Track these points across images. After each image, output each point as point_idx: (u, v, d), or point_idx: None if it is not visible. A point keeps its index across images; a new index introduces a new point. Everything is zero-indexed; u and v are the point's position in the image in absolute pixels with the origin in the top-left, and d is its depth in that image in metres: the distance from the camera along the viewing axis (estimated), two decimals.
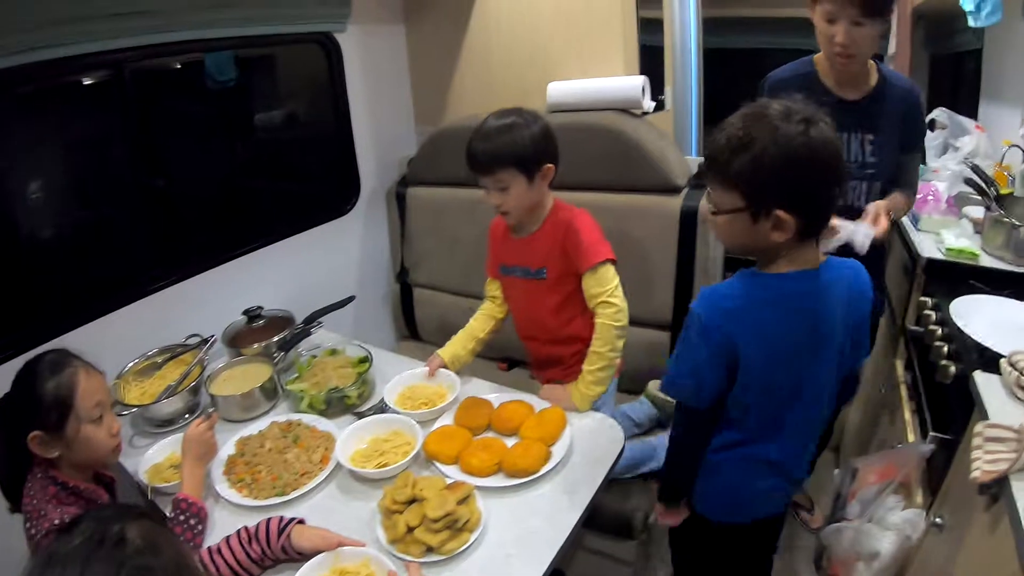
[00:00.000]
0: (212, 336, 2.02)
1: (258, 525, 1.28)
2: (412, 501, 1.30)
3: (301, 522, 1.30)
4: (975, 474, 1.10)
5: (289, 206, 2.59)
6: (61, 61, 1.69)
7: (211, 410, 1.69)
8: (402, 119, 2.88)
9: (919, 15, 3.86)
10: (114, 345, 1.83)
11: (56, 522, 1.17)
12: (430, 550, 1.24)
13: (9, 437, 1.24)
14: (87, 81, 1.91)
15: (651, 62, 2.64)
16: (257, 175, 2.57)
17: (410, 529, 1.25)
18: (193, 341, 2.01)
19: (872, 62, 1.83)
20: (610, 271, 1.72)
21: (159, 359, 1.94)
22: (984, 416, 1.22)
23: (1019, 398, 1.26)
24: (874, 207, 1.64)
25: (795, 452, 1.41)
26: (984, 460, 1.10)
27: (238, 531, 1.29)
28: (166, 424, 1.77)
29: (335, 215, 2.64)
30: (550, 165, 1.74)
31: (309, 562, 1.21)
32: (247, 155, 2.55)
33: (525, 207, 1.77)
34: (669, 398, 1.92)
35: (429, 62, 2.78)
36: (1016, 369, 1.27)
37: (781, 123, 1.10)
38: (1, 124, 1.73)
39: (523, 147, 1.69)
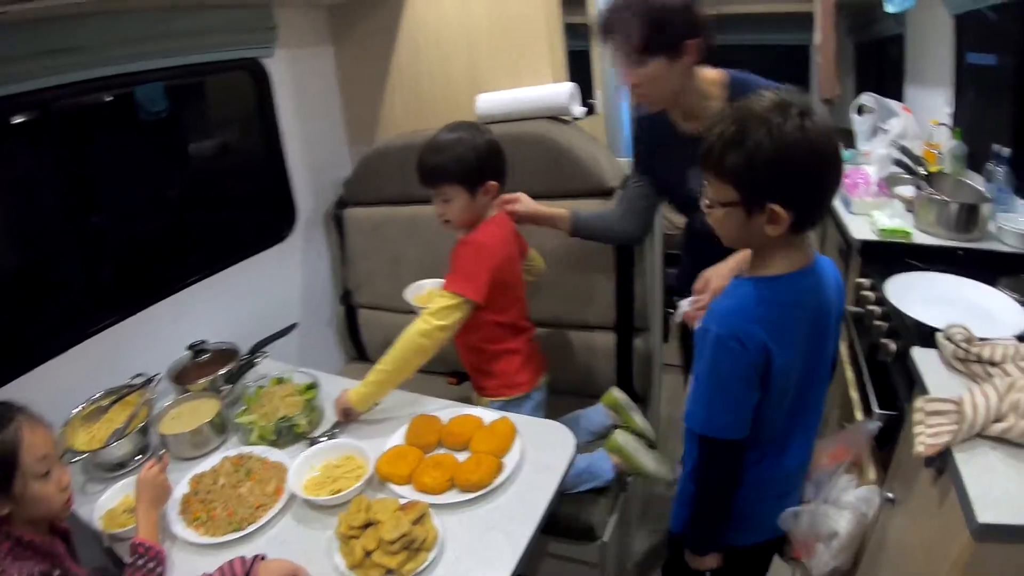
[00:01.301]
0: (157, 374, 1.99)
1: (222, 570, 1.26)
2: (368, 525, 1.31)
3: (263, 558, 1.29)
4: (919, 449, 1.13)
5: (227, 236, 2.55)
6: None
7: (162, 451, 1.66)
8: (335, 140, 2.88)
9: (841, 5, 3.98)
10: (59, 392, 1.79)
11: None
12: (390, 572, 1.24)
13: None
14: (14, 121, 1.86)
15: (580, 67, 2.68)
16: (193, 206, 2.53)
17: (368, 553, 1.25)
18: (139, 381, 1.96)
19: (720, 77, 1.75)
20: (448, 300, 1.74)
21: (105, 402, 1.89)
22: (924, 390, 1.27)
23: (957, 370, 1.30)
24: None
25: (804, 457, 1.43)
26: (927, 434, 1.13)
27: None
28: (117, 468, 1.73)
29: (274, 242, 2.62)
30: (493, 182, 1.80)
31: None
32: (182, 187, 2.51)
33: (465, 220, 1.83)
34: (626, 404, 1.98)
35: (359, 82, 2.79)
36: (952, 342, 1.31)
37: (776, 117, 1.09)
38: None
39: (466, 163, 1.75)
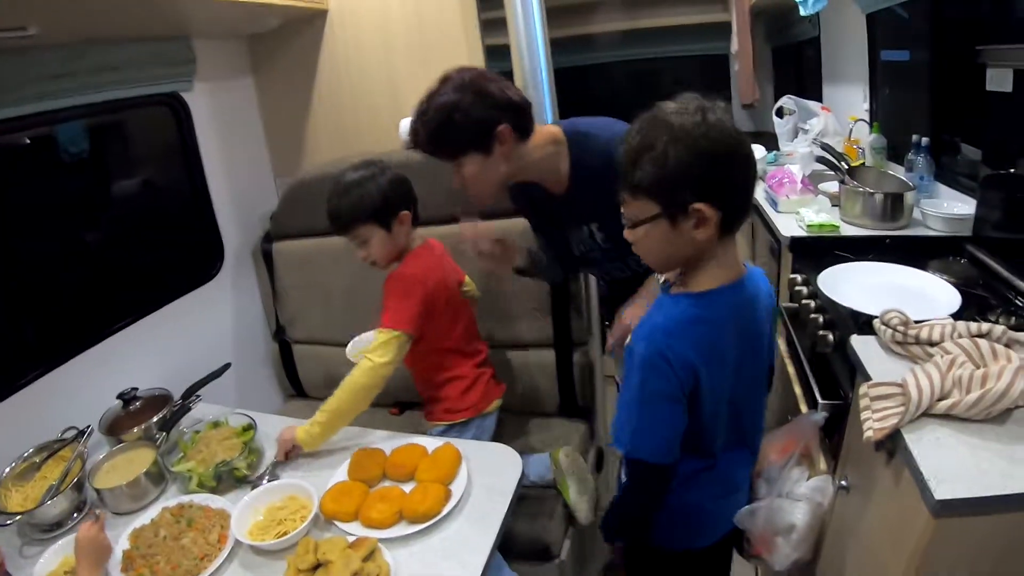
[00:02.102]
0: (88, 427, 1.91)
1: None
2: (317, 567, 1.28)
3: None
4: (868, 434, 1.14)
5: (153, 278, 2.50)
6: None
7: (97, 511, 1.61)
8: (260, 173, 2.85)
9: (757, 12, 4.09)
10: None
11: None
12: None
13: None
14: None
15: None
16: (117, 249, 2.45)
17: None
18: (70, 435, 1.89)
19: (556, 136, 1.70)
20: (384, 336, 1.76)
21: (37, 459, 1.82)
22: (867, 377, 1.28)
23: (897, 354, 1.33)
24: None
25: (748, 460, 1.45)
26: (874, 419, 1.15)
27: None
28: (55, 527, 1.65)
29: (202, 281, 2.56)
30: (405, 212, 1.83)
31: None
32: (105, 229, 2.43)
33: (388, 255, 1.86)
34: (568, 470, 1.97)
35: (281, 112, 2.77)
36: (889, 327, 1.34)
37: (676, 118, 1.09)
38: None
39: (374, 201, 1.78)
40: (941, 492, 0.97)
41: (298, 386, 2.80)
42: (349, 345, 2.12)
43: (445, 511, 1.45)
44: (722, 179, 1.11)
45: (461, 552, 1.36)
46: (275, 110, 2.79)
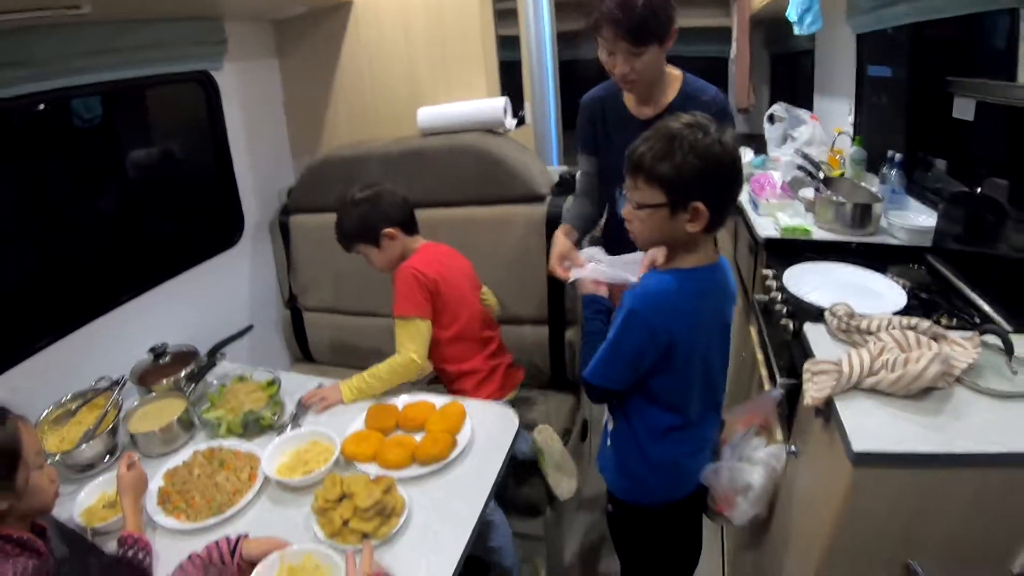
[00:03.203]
0: (123, 377, 2.06)
1: (208, 550, 1.35)
2: (342, 498, 1.45)
3: (246, 536, 1.39)
4: (807, 400, 1.36)
5: (179, 242, 2.63)
6: None
7: (127, 451, 1.72)
8: (280, 151, 2.98)
9: (758, 20, 4.24)
10: (25, 397, 1.77)
11: (11, 574, 1.17)
12: (366, 537, 1.39)
13: None
14: None
15: (511, 78, 2.85)
16: (148, 214, 2.59)
17: (345, 522, 1.40)
18: (103, 384, 2.03)
19: (677, 73, 1.98)
20: (402, 325, 1.97)
21: (72, 406, 1.94)
22: (813, 357, 1.49)
23: (841, 340, 1.54)
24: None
25: (714, 421, 1.66)
26: (813, 389, 1.35)
27: (189, 558, 1.33)
28: (87, 469, 1.77)
29: (223, 248, 2.70)
30: (389, 229, 2.01)
31: (257, 568, 1.30)
32: (137, 195, 2.57)
33: (390, 263, 2.05)
34: (548, 451, 2.12)
35: (303, 94, 2.90)
36: (836, 316, 1.55)
37: (697, 136, 1.32)
38: None
39: (355, 226, 2.03)
40: (858, 445, 1.17)
41: (306, 351, 2.95)
42: None
43: (452, 456, 1.64)
44: (720, 189, 1.37)
45: (465, 491, 1.56)
46: (297, 92, 2.91)
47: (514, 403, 2.13)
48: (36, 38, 1.85)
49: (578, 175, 2.22)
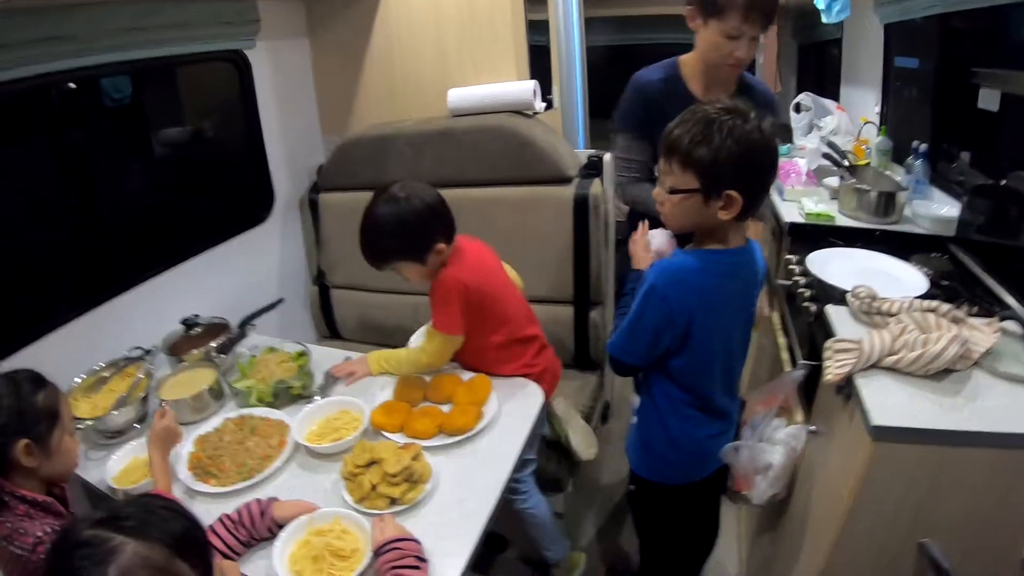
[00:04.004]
0: (154, 346, 2.12)
1: (239, 511, 1.40)
2: (370, 464, 1.50)
3: (276, 500, 1.44)
4: (828, 377, 1.39)
5: (211, 217, 2.67)
6: None
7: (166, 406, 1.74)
8: (310, 129, 3.01)
9: (786, 9, 4.24)
10: (59, 363, 1.82)
11: (40, 535, 1.19)
12: (393, 502, 1.44)
13: None
14: (9, 106, 1.96)
15: (540, 62, 2.86)
16: (180, 189, 2.65)
17: (373, 487, 1.44)
18: (135, 353, 2.08)
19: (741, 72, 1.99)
20: (437, 340, 1.89)
21: (105, 374, 1.99)
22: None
23: (863, 322, 1.57)
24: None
25: (736, 404, 1.69)
26: (834, 366, 1.38)
27: (219, 519, 1.38)
28: (118, 435, 1.81)
29: (253, 223, 2.75)
30: (440, 244, 1.79)
31: (285, 529, 1.35)
32: (172, 171, 2.62)
33: (425, 278, 1.86)
34: (565, 416, 2.14)
35: (334, 74, 2.92)
36: (858, 298, 1.58)
37: (736, 122, 1.30)
38: None
39: (405, 241, 1.78)
40: (877, 419, 1.21)
41: (333, 328, 3.00)
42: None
43: (479, 427, 1.68)
44: (755, 178, 1.36)
45: (490, 461, 1.60)
46: (327, 72, 2.93)
47: None
48: (75, 14, 1.89)
49: (616, 160, 2.17)
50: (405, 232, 1.76)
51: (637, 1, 4.72)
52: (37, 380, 1.32)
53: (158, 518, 0.93)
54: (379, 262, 1.84)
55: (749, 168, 1.33)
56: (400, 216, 1.76)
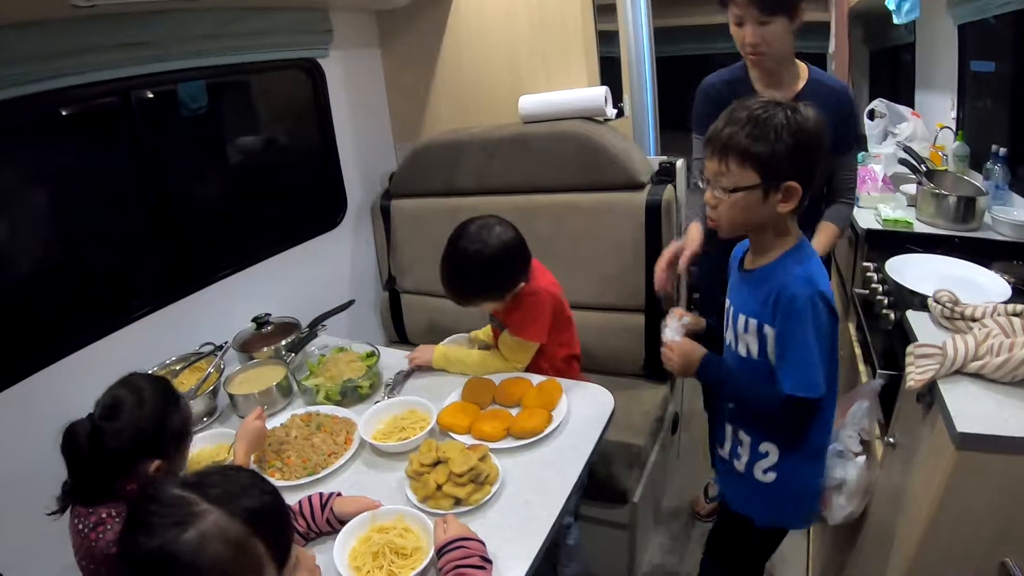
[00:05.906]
0: (225, 343, 2.16)
1: (300, 502, 1.40)
2: (436, 464, 1.48)
3: (339, 495, 1.44)
4: (909, 384, 1.32)
5: (285, 221, 2.72)
6: (69, 90, 1.81)
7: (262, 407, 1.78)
8: (381, 136, 3.05)
9: (856, 15, 4.15)
10: (132, 357, 1.92)
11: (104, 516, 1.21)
12: (458, 502, 1.41)
13: (125, 457, 1.23)
14: (92, 110, 2.02)
15: (610, 72, 2.84)
16: (253, 194, 2.70)
17: (439, 487, 1.42)
18: (207, 349, 2.13)
19: (803, 64, 1.96)
20: (528, 346, 1.92)
21: (176, 367, 2.04)
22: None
23: (944, 327, 1.49)
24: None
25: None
26: (916, 372, 1.32)
27: None
28: None
29: (326, 228, 2.79)
30: (521, 283, 1.87)
31: (348, 524, 1.35)
32: (243, 176, 2.68)
33: (501, 306, 1.91)
34: None
35: (404, 82, 2.95)
36: (940, 304, 1.50)
37: (786, 112, 1.30)
38: (10, 153, 1.81)
39: (490, 281, 1.84)
40: (963, 427, 1.14)
41: (402, 332, 3.00)
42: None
43: (548, 431, 1.64)
44: (812, 165, 1.33)
45: (559, 465, 1.56)
46: (398, 81, 2.97)
47: None
48: (157, 21, 1.96)
49: (693, 163, 2.17)
50: (489, 277, 1.83)
51: (706, 10, 4.64)
52: (171, 393, 1.35)
53: (242, 490, 0.94)
54: (463, 303, 1.90)
55: (806, 157, 1.32)
56: (482, 264, 1.81)
